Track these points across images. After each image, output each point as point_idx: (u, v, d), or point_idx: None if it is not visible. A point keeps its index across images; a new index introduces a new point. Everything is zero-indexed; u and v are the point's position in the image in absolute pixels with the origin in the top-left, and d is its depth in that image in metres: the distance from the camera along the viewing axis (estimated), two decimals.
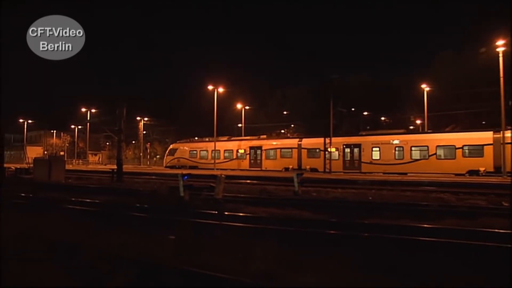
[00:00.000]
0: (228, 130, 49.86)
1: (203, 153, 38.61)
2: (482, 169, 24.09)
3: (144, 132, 61.71)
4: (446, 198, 13.11)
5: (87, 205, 11.93)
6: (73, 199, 13.49)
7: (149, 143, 62.95)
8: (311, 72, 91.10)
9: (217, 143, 37.28)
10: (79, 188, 18.23)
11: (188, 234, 7.03)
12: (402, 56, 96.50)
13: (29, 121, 67.34)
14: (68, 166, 29.52)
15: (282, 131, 52.50)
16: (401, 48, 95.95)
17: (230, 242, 6.42)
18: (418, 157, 26.64)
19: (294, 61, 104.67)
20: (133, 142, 65.13)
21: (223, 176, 12.55)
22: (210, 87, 38.24)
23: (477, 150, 24.70)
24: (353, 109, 50.15)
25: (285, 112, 58.10)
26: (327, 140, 30.24)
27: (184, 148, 40.41)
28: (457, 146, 25.34)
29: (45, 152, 66.31)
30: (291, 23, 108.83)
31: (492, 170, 23.80)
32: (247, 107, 50.39)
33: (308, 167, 30.87)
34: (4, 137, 23.14)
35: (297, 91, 59.15)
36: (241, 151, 35.88)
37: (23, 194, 15.27)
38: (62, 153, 65.78)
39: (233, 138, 39.00)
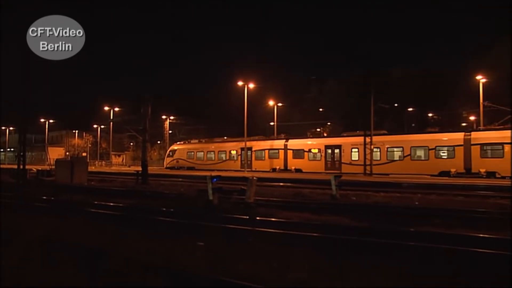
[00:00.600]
0: (260, 128, 50.02)
1: (200, 154, 42.24)
2: (453, 170, 26.02)
3: (170, 131, 62.73)
4: (506, 204, 12.56)
5: (111, 209, 12.28)
6: (96, 202, 13.94)
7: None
8: (350, 65, 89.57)
9: (214, 145, 41.67)
10: (103, 191, 18.82)
11: (218, 240, 7.09)
12: (454, 45, 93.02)
13: (51, 121, 69.36)
14: (91, 168, 30.55)
15: (318, 129, 52.12)
16: (452, 35, 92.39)
17: (264, 250, 6.42)
18: (394, 158, 29.10)
19: (332, 54, 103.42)
20: (158, 142, 66.32)
21: (254, 178, 12.58)
22: (240, 83, 38.43)
23: (449, 151, 26.84)
24: (396, 104, 48.98)
25: (321, 109, 57.57)
26: (367, 139, 29.69)
27: (182, 150, 44.25)
28: (430, 147, 27.50)
29: (67, 153, 68.86)
30: (328, 13, 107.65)
31: (462, 171, 25.73)
32: (279, 104, 50.27)
33: (293, 167, 34.05)
34: (26, 138, 24.15)
35: (335, 86, 58.43)
36: (233, 152, 39.25)
37: (44, 197, 15.94)
38: (84, 154, 68.20)
39: (227, 139, 42.86)
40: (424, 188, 18.06)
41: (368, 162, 29.32)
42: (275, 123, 48.47)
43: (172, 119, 61.99)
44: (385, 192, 16.48)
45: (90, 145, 72.26)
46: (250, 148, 37.52)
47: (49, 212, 11.44)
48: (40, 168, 33.13)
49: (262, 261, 5.62)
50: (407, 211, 11.34)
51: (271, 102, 49.69)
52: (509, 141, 23.17)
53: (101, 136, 68.86)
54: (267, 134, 44.76)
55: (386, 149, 29.47)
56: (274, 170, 35.14)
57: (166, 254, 6.04)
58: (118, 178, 28.35)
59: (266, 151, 36.89)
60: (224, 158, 39.94)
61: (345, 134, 34.53)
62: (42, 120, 67.61)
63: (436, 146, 27.39)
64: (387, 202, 13.93)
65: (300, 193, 16.52)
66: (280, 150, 35.82)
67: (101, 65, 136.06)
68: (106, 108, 56.89)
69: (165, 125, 61.39)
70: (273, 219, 9.69)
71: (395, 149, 29.24)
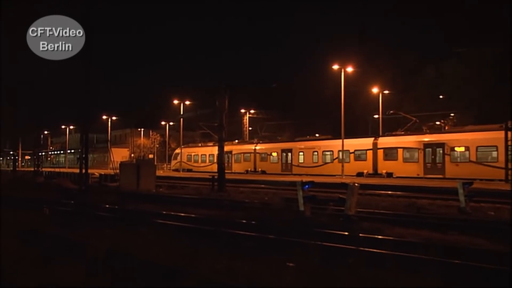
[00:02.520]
0: (360, 122, 49.07)
1: (196, 157, 54.41)
2: (365, 171, 35.40)
3: (250, 128, 63.94)
4: None
5: (183, 220, 12.86)
6: (165, 212, 14.70)
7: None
8: (480, 36, 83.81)
9: (205, 148, 53.66)
10: (173, 199, 19.77)
11: (311, 261, 7.08)
12: None
13: (113, 118, 73.00)
14: (159, 172, 32.23)
15: (438, 122, 49.72)
16: None
17: (369, 275, 6.28)
18: (327, 161, 39.31)
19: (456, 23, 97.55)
20: (236, 141, 68.19)
21: (356, 185, 12.37)
22: (335, 67, 37.90)
23: (363, 155, 36.50)
24: None
25: (441, 96, 54.87)
26: (509, 135, 27.42)
27: (184, 153, 55.97)
28: (350, 151, 37.04)
29: (132, 155, 73.14)
30: None
31: (371, 172, 35.17)
32: (385, 92, 48.87)
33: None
34: (88, 138, 26.12)
35: (460, 65, 55.19)
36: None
37: (107, 206, 17.17)
38: (151, 156, 72.06)
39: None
40: None
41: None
42: (380, 116, 47.22)
43: (252, 114, 62.98)
44: None
45: (157, 146, 75.70)
46: (230, 151, 46.85)
47: (114, 223, 12.28)
48: (103, 173, 35.73)
49: None
50: None
51: (375, 89, 48.47)
52: (403, 146, 33.82)
53: (169, 135, 71.89)
54: (371, 129, 43.80)
55: (322, 152, 39.93)
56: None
57: (249, 275, 6.16)
58: (190, 184, 29.55)
59: (241, 154, 47.17)
60: (213, 161, 48.26)
61: (296, 139, 44.52)
62: (104, 117, 71.35)
63: (355, 150, 37.03)
64: None
65: (414, 204, 16.04)
66: (251, 154, 46.61)
67: (168, 52, 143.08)
68: (176, 102, 58.46)
69: (244, 120, 62.61)
70: (380, 237, 9.46)
71: (327, 153, 39.58)
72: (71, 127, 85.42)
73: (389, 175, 33.43)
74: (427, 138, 33.10)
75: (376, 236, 9.53)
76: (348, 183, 12.69)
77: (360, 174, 35.06)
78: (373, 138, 36.87)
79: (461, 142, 30.74)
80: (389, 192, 20.40)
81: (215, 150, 43.77)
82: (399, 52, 59.96)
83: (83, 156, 25.14)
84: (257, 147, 46.98)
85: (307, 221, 11.70)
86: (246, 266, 6.70)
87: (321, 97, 53.72)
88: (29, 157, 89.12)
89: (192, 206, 16.54)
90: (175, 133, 69.21)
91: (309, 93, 61.66)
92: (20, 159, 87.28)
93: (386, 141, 35.30)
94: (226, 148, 40.44)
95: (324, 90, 49.63)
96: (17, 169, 56.36)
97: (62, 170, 47.98)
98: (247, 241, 9.12)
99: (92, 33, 24.68)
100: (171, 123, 70.32)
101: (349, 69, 37.83)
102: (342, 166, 35.53)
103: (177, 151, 58.42)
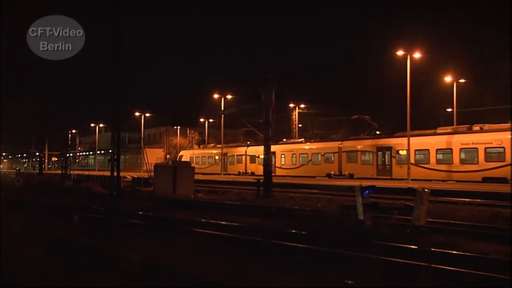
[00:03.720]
0: (429, 116, 47.89)
1: (197, 159, 61.40)
2: (332, 172, 42.40)
3: (300, 125, 63.60)
4: None
5: (225, 230, 12.99)
6: (204, 220, 14.89)
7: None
8: None
9: (205, 150, 64.54)
10: (213, 206, 19.93)
11: (373, 278, 7.00)
12: None
13: (147, 115, 73.89)
14: (197, 176, 32.51)
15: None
16: None
17: None
18: (303, 163, 46.99)
19: None
20: (284, 140, 67.81)
21: (427, 191, 12.08)
22: (399, 53, 37.15)
23: (331, 157, 43.92)
24: None
25: None
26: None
27: (186, 155, 63.75)
28: (321, 154, 45.15)
29: (167, 156, 74.17)
30: None
31: (338, 173, 42.02)
32: (461, 81, 47.55)
33: (250, 171, 51.90)
34: (120, 137, 26.61)
35: None
36: (217, 157, 59.17)
37: (141, 213, 17.54)
38: None
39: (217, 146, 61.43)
40: None
41: None
42: (455, 109, 46.04)
43: (302, 108, 62.61)
44: None
45: (196, 145, 76.49)
46: (225, 154, 57.05)
47: (148, 232, 12.53)
48: (135, 176, 36.42)
49: None
50: None
51: (448, 78, 47.21)
52: (361, 149, 40.75)
53: (209, 134, 72.57)
54: (442, 125, 42.76)
55: (299, 155, 48.10)
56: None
57: None
58: (232, 188, 29.70)
59: (235, 156, 56.62)
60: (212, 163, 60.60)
61: (280, 142, 52.05)
62: (137, 114, 72.10)
63: (325, 153, 44.71)
64: None
65: (500, 214, 15.49)
66: (242, 156, 55.75)
67: (207, 43, 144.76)
68: (216, 96, 58.50)
69: (293, 116, 62.35)
70: (456, 252, 9.26)
71: (303, 155, 47.55)
72: (101, 125, 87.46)
73: (351, 176, 40.07)
74: (379, 142, 40.47)
75: (451, 251, 9.31)
76: (416, 188, 12.42)
77: (328, 175, 42.17)
78: (339, 142, 44.07)
79: (404, 146, 36.60)
80: (466, 199, 19.84)
81: (213, 151, 61.02)
82: (479, 32, 58.07)
83: (115, 157, 25.57)
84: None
85: (367, 232, 11.56)
86: (298, 282, 6.69)
87: (382, 87, 52.82)
88: (56, 159, 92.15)
89: (235, 214, 16.68)
90: (215, 131, 69.51)
91: (368, 84, 60.74)
92: (46, 160, 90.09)
93: (349, 145, 42.57)
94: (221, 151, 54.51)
95: (385, 80, 48.76)
96: (43, 171, 58.09)
97: (91, 173, 49.09)
98: (299, 254, 9.11)
99: (122, 23, 25.41)
100: (210, 120, 70.86)
101: (416, 55, 36.97)
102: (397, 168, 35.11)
103: (181, 153, 67.11)
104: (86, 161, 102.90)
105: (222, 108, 57.73)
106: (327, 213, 15.05)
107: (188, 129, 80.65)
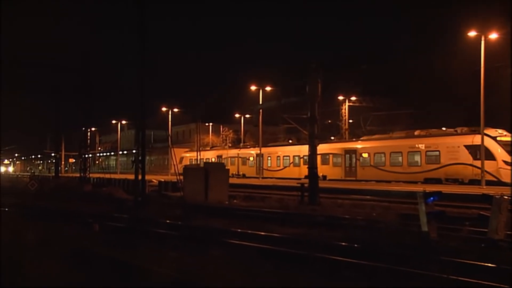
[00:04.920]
0: (506, 109, 46.72)
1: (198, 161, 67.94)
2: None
3: (351, 120, 62.61)
4: None
5: (265, 241, 12.97)
6: (241, 230, 14.92)
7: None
8: None
9: (209, 152, 72.01)
10: (251, 214, 19.99)
11: None
12: None
13: (175, 110, 73.62)
14: (232, 180, 32.59)
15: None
16: None
17: None
18: (286, 165, 55.89)
19: None
20: (332, 138, 67.01)
21: (506, 198, 11.77)
22: (471, 34, 35.97)
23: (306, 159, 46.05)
24: None
25: None
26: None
27: (186, 157, 72.09)
28: (300, 156, 52.28)
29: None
30: None
31: None
32: None
33: (241, 173, 62.81)
34: (145, 136, 26.87)
35: None
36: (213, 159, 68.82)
37: (169, 221, 17.65)
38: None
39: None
40: None
41: None
42: None
43: (353, 101, 61.41)
44: None
45: (230, 144, 76.49)
46: (220, 156, 68.09)
47: (178, 244, 12.61)
48: (162, 179, 36.76)
49: None
50: None
51: None
52: (333, 152, 49.17)
53: (246, 131, 72.55)
54: None
55: (282, 157, 58.12)
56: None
57: None
58: (272, 194, 29.72)
59: (236, 158, 64.88)
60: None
61: (269, 145, 62.21)
62: (164, 109, 71.90)
63: (304, 156, 47.45)
64: None
65: None
66: (236, 158, 64.92)
67: (243, 31, 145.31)
68: (253, 88, 57.78)
69: (343, 110, 61.49)
70: None
71: (285, 157, 57.16)
72: (124, 122, 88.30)
73: (324, 177, 43.60)
74: (347, 145, 49.71)
75: None
76: (493, 195, 12.14)
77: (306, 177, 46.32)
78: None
79: (366, 149, 46.05)
80: None
81: (210, 154, 70.51)
82: None
83: (139, 158, 25.76)
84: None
85: (433, 246, 11.38)
86: None
87: (449, 77, 51.75)
88: (74, 160, 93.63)
89: (276, 223, 16.70)
90: (252, 128, 69.03)
91: (431, 74, 59.44)
92: (63, 162, 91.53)
93: (323, 148, 44.79)
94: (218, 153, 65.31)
95: (454, 69, 47.73)
96: (59, 174, 58.87)
97: (112, 176, 49.86)
98: (349, 271, 9.04)
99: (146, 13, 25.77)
100: (247, 116, 70.74)
101: (493, 35, 35.74)
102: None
103: (182, 155, 72.63)
104: (107, 162, 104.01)
105: (260, 102, 56.43)
106: (383, 223, 14.92)
107: (221, 126, 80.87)
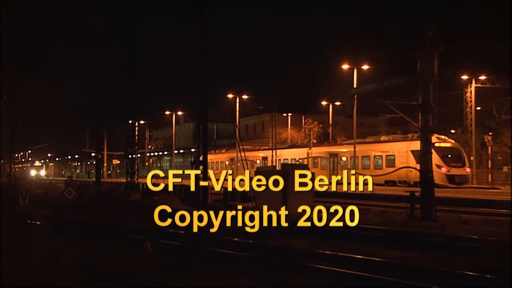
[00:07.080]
0: None
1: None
2: None
3: (478, 107, 59.20)
4: None
5: (361, 267, 12.79)
6: (329, 252, 15.01)
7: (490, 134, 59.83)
8: None
9: (220, 155, 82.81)
10: (342, 230, 19.70)
11: None
12: None
13: (244, 97, 74.38)
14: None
15: None
16: None
17: None
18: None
19: None
20: (452, 131, 65.19)
21: None
22: None
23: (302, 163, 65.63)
24: None
25: None
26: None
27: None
28: (296, 159, 69.62)
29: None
30: None
31: None
32: None
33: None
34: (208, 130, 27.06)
35: None
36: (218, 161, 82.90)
37: (238, 239, 17.74)
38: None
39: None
40: None
41: None
42: None
43: (483, 81, 57.58)
44: None
45: (314, 140, 75.21)
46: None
47: (249, 268, 12.66)
48: (226, 186, 36.94)
49: None
50: None
51: None
52: (321, 155, 65.27)
53: (335, 122, 72.15)
54: None
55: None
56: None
57: None
58: (371, 205, 29.20)
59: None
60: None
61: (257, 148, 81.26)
62: (230, 96, 68.98)
63: (299, 158, 67.70)
64: None
65: None
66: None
67: None
68: (345, 67, 56.44)
69: (467, 95, 58.25)
70: None
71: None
72: (179, 113, 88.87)
73: None
74: (331, 149, 64.50)
75: None
76: None
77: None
78: (307, 148, 68.05)
79: (345, 153, 60.18)
80: None
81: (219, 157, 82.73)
82: None
83: (200, 159, 25.82)
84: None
85: None
86: None
87: None
88: (118, 161, 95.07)
89: (378, 244, 16.59)
90: (343, 120, 68.34)
91: None
92: (105, 164, 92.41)
93: (314, 151, 65.25)
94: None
95: None
96: (101, 179, 59.30)
97: (166, 181, 50.41)
98: None
99: None
100: (337, 103, 70.20)
101: None
102: None
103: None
104: (159, 163, 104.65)
105: (354, 86, 55.16)
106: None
107: (303, 117, 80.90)
